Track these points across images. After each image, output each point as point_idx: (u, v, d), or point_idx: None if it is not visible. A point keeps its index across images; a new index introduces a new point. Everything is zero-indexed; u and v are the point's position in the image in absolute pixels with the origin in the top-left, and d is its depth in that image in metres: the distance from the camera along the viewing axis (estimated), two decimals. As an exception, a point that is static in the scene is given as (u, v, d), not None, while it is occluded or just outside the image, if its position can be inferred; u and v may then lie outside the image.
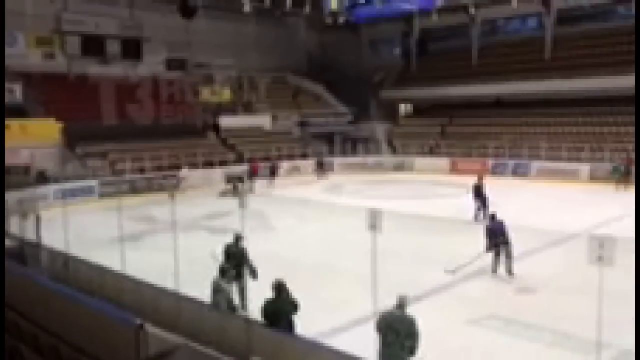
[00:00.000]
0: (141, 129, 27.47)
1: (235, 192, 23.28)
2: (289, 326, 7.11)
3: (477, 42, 36.26)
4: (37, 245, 11.64)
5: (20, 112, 24.65)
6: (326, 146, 34.53)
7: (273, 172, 27.99)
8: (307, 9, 35.04)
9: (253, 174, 26.63)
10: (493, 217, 12.35)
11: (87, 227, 15.75)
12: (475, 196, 17.56)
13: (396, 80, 39.22)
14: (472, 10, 34.63)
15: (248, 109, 35.42)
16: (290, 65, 39.85)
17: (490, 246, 11.84)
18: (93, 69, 29.63)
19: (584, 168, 26.48)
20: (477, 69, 34.99)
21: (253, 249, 9.90)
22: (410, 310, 6.59)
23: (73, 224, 12.02)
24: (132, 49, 31.68)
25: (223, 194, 23.93)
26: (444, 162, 31.34)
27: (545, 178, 26.63)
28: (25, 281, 8.37)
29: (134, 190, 24.36)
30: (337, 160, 33.00)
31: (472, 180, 18.52)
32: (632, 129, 27.26)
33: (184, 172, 25.58)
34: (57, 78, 28.53)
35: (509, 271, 11.67)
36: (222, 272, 8.38)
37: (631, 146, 25.68)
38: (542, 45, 32.96)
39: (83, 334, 6.62)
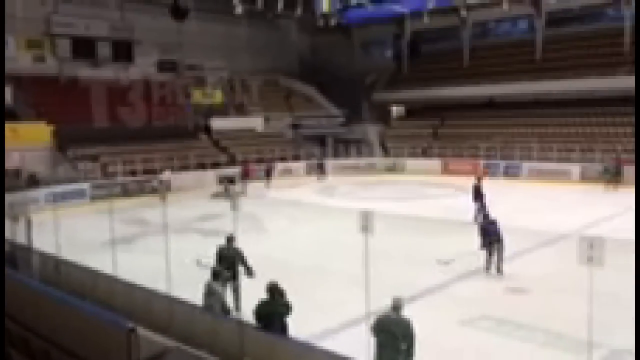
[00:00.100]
0: (133, 132, 27.34)
1: (226, 193, 23.23)
2: (282, 328, 7.11)
3: (468, 44, 36.47)
4: (28, 249, 11.59)
5: (10, 115, 24.44)
6: (319, 148, 34.56)
7: (269, 174, 27.99)
8: (299, 11, 35.05)
9: (245, 176, 26.62)
10: (486, 216, 12.58)
11: (79, 230, 15.67)
12: (474, 197, 17.60)
13: (388, 82, 39.33)
14: (463, 13, 34.80)
15: (240, 111, 35.38)
16: (282, 68, 39.85)
17: (484, 244, 12.00)
18: (84, 71, 29.51)
19: (575, 168, 26.65)
20: (469, 70, 35.15)
21: (245, 251, 9.88)
22: (403, 311, 6.60)
23: (64, 227, 11.95)
24: (123, 52, 31.55)
25: (215, 196, 23.88)
26: (435, 163, 31.45)
27: (537, 179, 26.79)
28: (16, 285, 8.30)
29: (126, 193, 24.26)
30: (330, 162, 33.04)
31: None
32: (622, 130, 27.54)
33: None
34: (48, 81, 28.37)
35: (498, 269, 11.88)
36: (215, 274, 8.36)
37: (620, 146, 25.90)
38: (532, 47, 33.19)
39: (74, 337, 6.58)
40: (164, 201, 9.49)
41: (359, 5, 37.17)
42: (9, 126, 22.87)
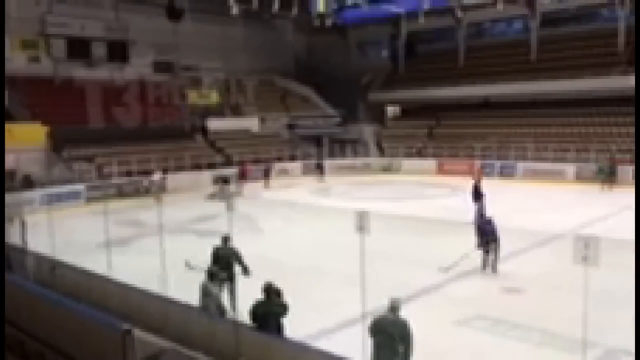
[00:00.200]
0: (128, 132, 27.25)
1: (221, 193, 23.20)
2: (278, 329, 7.10)
3: (463, 44, 36.58)
4: (22, 251, 11.53)
5: (5, 115, 24.34)
6: (315, 148, 34.56)
7: (267, 174, 27.97)
8: (295, 11, 35.07)
9: (243, 176, 26.61)
10: (483, 215, 12.66)
11: (74, 231, 15.63)
12: (474, 197, 17.59)
13: (384, 83, 39.38)
14: (458, 13, 34.86)
15: (236, 111, 35.34)
16: (278, 68, 39.84)
17: (481, 243, 12.07)
18: (79, 72, 29.39)
19: (570, 168, 26.74)
20: (464, 71, 35.24)
21: (241, 252, 9.87)
22: (400, 312, 6.60)
23: (59, 228, 11.91)
24: (119, 52, 31.46)
25: (211, 196, 23.84)
26: (431, 163, 31.50)
27: (532, 179, 26.86)
28: (11, 287, 8.27)
29: (121, 194, 24.18)
30: (326, 162, 33.02)
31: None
32: (616, 130, 27.66)
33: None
34: (43, 81, 28.24)
35: (493, 267, 11.98)
36: (211, 275, 8.34)
37: (615, 146, 26.00)
38: (527, 47, 33.29)
39: (70, 339, 6.57)
40: (159, 202, 9.46)
41: (355, 6, 37.24)
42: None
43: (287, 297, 7.24)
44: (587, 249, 5.42)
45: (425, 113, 36.67)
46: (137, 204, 20.43)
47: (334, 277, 11.77)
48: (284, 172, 30.91)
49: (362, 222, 6.66)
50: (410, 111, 38.60)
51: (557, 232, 15.25)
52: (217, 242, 9.84)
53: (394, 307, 6.43)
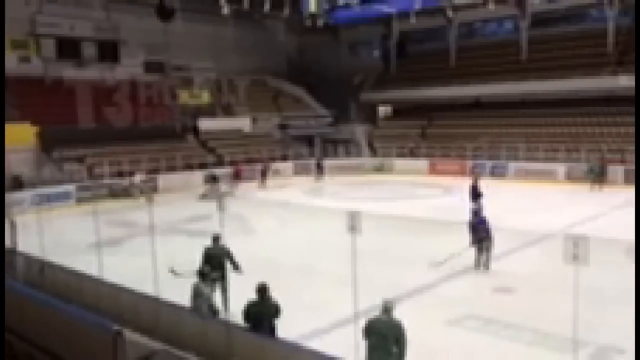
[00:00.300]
0: (119, 133, 27.11)
1: (212, 192, 23.13)
2: (271, 329, 7.09)
3: (455, 44, 36.71)
4: (12, 251, 11.44)
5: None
6: (307, 148, 34.50)
7: (264, 174, 27.93)
8: (286, 11, 35.02)
9: (237, 176, 26.55)
10: (476, 213, 12.71)
11: (64, 232, 15.52)
12: (472, 197, 17.64)
13: (375, 83, 39.42)
14: (449, 13, 34.96)
15: (227, 111, 35.24)
16: (269, 68, 39.78)
17: (474, 241, 12.12)
18: (69, 72, 29.17)
19: (561, 168, 26.89)
20: (455, 71, 35.35)
21: (233, 252, 9.85)
22: (393, 313, 6.60)
23: (49, 229, 11.83)
24: (109, 52, 31.29)
25: (203, 196, 23.77)
26: (423, 163, 31.57)
27: (523, 178, 26.98)
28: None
29: (112, 194, 24.05)
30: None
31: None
32: (607, 130, 27.85)
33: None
34: (33, 81, 28.00)
35: (485, 265, 12.08)
36: (202, 275, 8.31)
37: (605, 146, 26.18)
38: (518, 47, 33.45)
39: (59, 341, 6.51)
40: (151, 202, 9.40)
41: (347, 6, 37.18)
42: (-8, 127, 22.62)
43: (280, 298, 7.22)
44: (577, 248, 5.44)
45: (417, 113, 36.76)
46: (128, 205, 20.31)
47: (326, 277, 11.76)
48: (276, 173, 30.86)
49: (353, 222, 6.65)
50: (402, 111, 38.69)
51: (547, 231, 15.32)
52: (209, 242, 9.81)
53: (387, 309, 6.43)
